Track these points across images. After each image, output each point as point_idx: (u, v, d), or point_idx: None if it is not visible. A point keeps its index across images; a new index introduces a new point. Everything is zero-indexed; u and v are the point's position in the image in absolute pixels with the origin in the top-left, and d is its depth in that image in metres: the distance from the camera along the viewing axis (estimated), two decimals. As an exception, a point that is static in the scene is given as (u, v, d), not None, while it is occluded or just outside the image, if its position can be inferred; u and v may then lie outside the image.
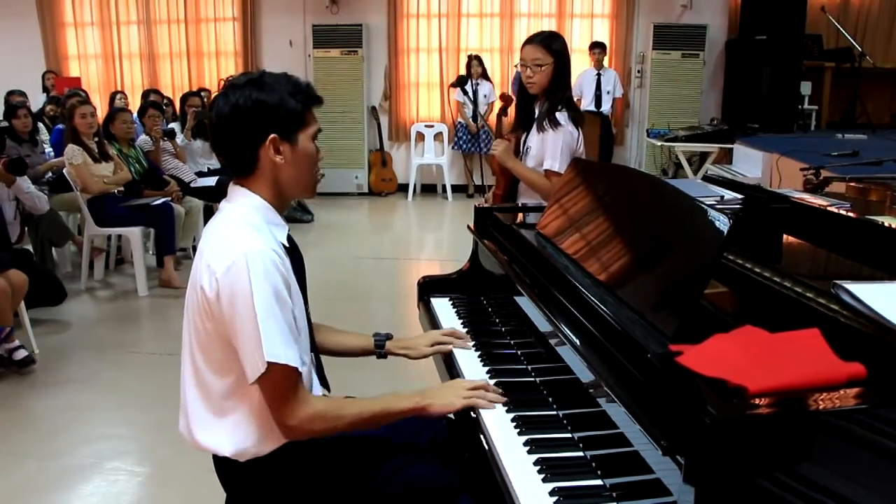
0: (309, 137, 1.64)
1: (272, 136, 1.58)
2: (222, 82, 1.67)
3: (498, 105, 8.69)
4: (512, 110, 3.25)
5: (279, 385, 1.52)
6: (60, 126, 6.06)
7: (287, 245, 1.64)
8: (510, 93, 3.81)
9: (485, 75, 8.61)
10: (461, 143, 8.80)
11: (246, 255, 1.49)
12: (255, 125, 1.57)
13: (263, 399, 1.55)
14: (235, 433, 1.60)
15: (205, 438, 1.63)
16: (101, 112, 6.35)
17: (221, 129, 1.60)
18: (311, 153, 1.65)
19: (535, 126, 2.98)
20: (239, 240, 1.53)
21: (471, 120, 8.50)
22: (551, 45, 2.88)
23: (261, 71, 1.64)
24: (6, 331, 3.75)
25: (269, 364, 1.48)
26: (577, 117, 2.96)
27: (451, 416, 1.75)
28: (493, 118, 8.38)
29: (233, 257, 1.50)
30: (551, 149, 2.89)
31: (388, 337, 2.01)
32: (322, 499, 1.68)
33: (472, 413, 1.65)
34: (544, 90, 2.93)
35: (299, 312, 1.61)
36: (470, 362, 1.93)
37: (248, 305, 1.48)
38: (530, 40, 2.94)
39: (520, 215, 2.60)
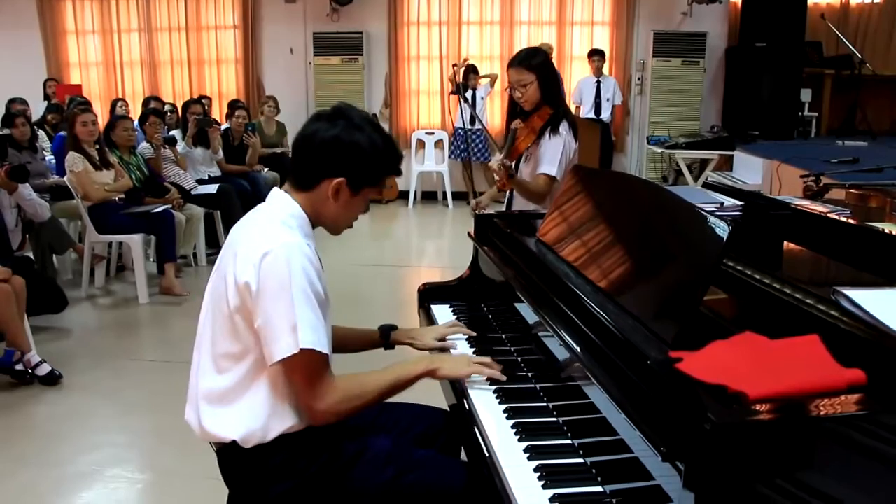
0: (369, 195, 1.73)
1: (343, 178, 1.65)
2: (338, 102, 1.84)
3: (497, 101, 8.74)
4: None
5: (311, 370, 1.58)
6: (62, 133, 6.07)
7: None
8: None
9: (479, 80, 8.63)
10: (458, 151, 8.82)
11: (286, 246, 1.57)
12: (337, 161, 1.65)
13: (284, 383, 1.61)
14: (242, 417, 1.63)
15: (211, 424, 1.65)
16: (102, 119, 6.36)
17: (311, 145, 1.67)
18: (361, 208, 1.75)
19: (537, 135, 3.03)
20: (277, 233, 1.61)
21: (468, 124, 8.50)
22: (530, 62, 2.97)
23: (372, 116, 1.74)
24: (17, 355, 3.71)
25: (303, 350, 1.53)
26: (574, 128, 3.05)
27: (448, 408, 1.89)
28: (494, 128, 8.42)
29: (272, 246, 1.57)
30: (550, 154, 2.97)
31: (393, 328, 2.10)
32: (323, 498, 1.69)
33: (466, 405, 1.70)
34: (539, 103, 3.00)
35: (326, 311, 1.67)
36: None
37: (285, 291, 1.54)
38: (510, 64, 3.03)
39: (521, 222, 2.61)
